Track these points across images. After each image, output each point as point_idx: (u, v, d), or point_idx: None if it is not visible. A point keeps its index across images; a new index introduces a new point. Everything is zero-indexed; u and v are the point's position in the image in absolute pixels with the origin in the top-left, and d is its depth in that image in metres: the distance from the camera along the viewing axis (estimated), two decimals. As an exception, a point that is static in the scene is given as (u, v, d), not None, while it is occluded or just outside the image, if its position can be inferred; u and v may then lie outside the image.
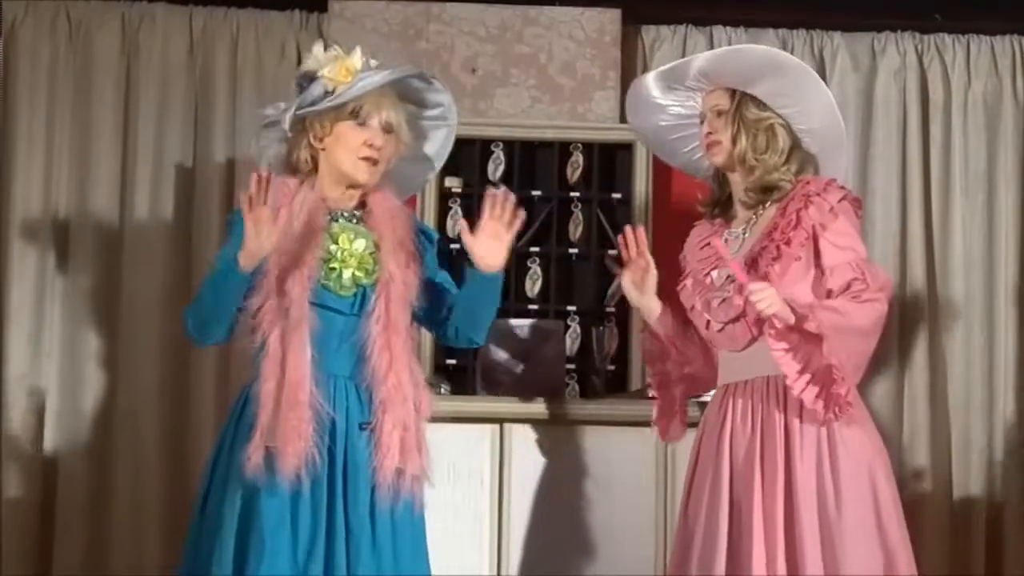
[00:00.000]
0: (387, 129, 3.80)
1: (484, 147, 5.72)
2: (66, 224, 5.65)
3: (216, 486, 3.68)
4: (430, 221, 5.59)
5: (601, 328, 5.61)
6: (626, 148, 5.69)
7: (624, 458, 4.64)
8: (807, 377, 3.62)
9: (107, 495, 5.52)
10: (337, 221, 3.79)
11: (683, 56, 5.94)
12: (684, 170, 4.22)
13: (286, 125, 3.80)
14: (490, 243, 3.73)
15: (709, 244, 3.90)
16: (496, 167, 5.71)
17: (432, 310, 3.88)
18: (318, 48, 3.82)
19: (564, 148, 5.73)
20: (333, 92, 3.75)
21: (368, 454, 3.66)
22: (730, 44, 5.93)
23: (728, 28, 5.99)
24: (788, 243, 3.74)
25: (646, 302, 3.97)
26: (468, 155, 5.72)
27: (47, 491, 5.54)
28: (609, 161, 5.74)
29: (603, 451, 4.65)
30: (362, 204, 3.85)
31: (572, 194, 5.70)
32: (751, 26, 5.98)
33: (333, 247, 3.74)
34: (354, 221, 3.81)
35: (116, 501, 5.50)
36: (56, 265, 5.64)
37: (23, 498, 5.51)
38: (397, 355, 3.70)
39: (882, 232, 5.85)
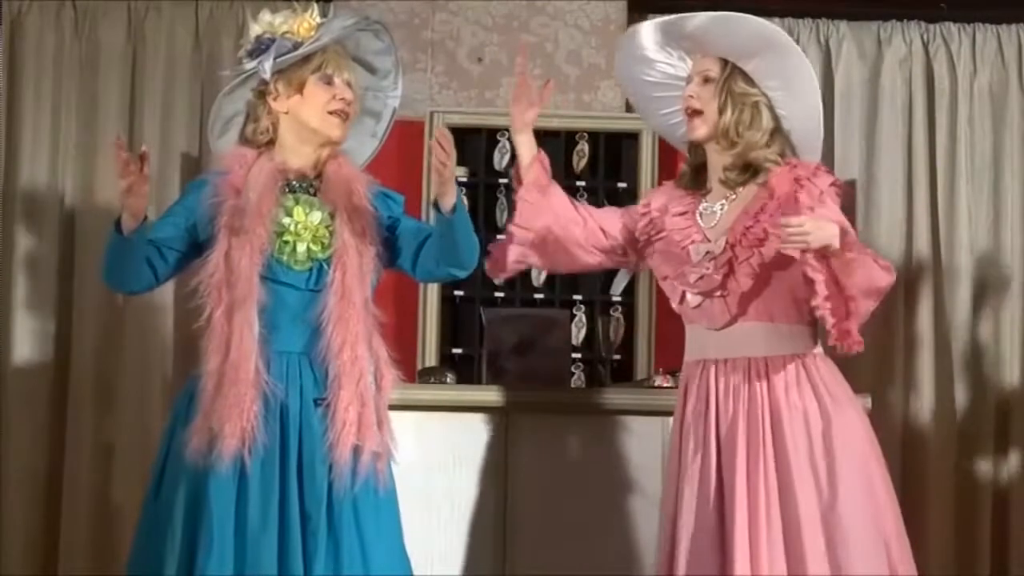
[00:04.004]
0: (350, 87, 3.72)
1: (490, 136, 5.73)
2: (72, 214, 5.66)
3: (170, 470, 3.58)
4: (436, 211, 5.60)
5: (607, 318, 5.62)
6: (632, 137, 5.70)
7: (630, 447, 4.64)
8: (829, 306, 3.54)
9: (114, 488, 5.54)
10: (294, 193, 3.69)
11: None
12: (659, 133, 4.11)
13: (267, 75, 3.68)
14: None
15: (686, 214, 3.79)
16: (502, 156, 5.71)
17: (404, 255, 3.76)
18: (264, 13, 3.74)
19: (570, 137, 5.73)
20: (301, 45, 3.67)
21: (323, 432, 3.53)
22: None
23: (734, 17, 5.98)
24: (775, 226, 3.62)
25: (525, 138, 3.99)
26: (474, 144, 5.73)
27: (53, 484, 5.56)
28: (615, 150, 5.74)
29: (609, 440, 4.65)
30: (319, 175, 3.73)
31: (578, 183, 5.69)
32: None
33: (287, 220, 3.64)
34: (311, 192, 3.70)
35: (122, 495, 5.51)
36: (62, 254, 5.65)
37: (28, 489, 5.54)
38: (353, 329, 3.57)
39: (887, 221, 5.85)
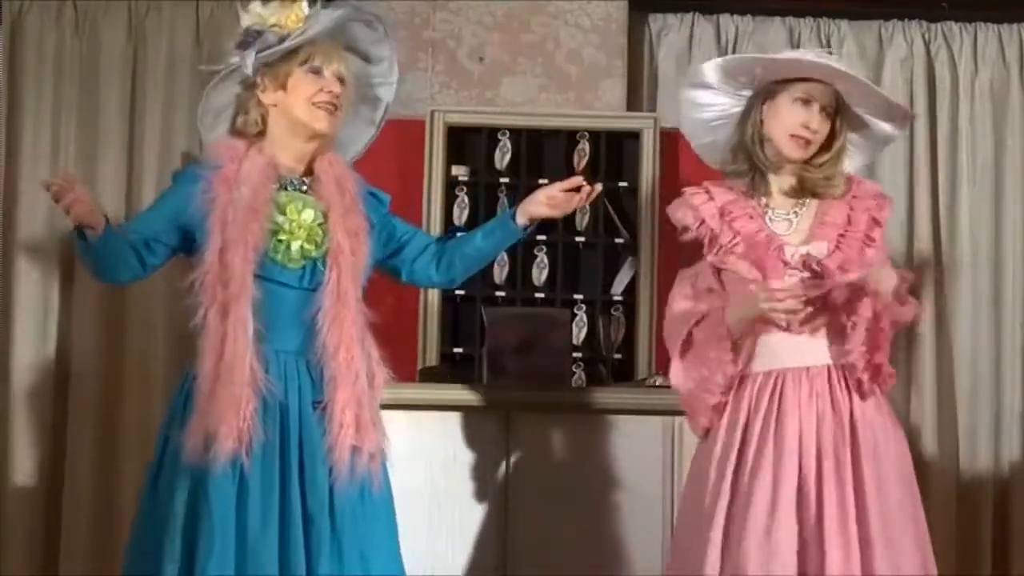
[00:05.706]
0: (341, 80, 3.69)
1: (491, 135, 5.72)
2: (73, 213, 5.66)
3: (166, 468, 3.55)
4: (436, 209, 5.59)
5: (608, 317, 5.61)
6: (633, 136, 5.69)
7: (630, 447, 4.64)
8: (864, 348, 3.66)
9: (115, 488, 5.53)
10: (286, 190, 3.65)
11: (689, 44, 5.96)
12: (688, 132, 4.05)
13: (249, 70, 3.66)
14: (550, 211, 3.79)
15: (754, 219, 3.79)
16: (503, 155, 5.71)
17: (398, 259, 3.79)
18: (255, 4, 3.72)
19: (571, 136, 5.73)
20: (287, 38, 3.65)
21: (322, 433, 3.52)
22: (736, 33, 5.95)
23: (736, 16, 5.98)
24: (872, 240, 3.78)
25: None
26: (475, 143, 5.72)
27: (53, 484, 5.56)
28: (616, 149, 5.74)
29: (609, 440, 4.66)
30: (309, 172, 3.71)
31: (579, 182, 5.69)
32: (759, 14, 5.98)
33: (281, 218, 3.60)
34: (303, 190, 3.67)
35: (123, 496, 5.51)
36: (63, 254, 5.65)
37: (28, 490, 5.53)
38: (348, 329, 3.55)
39: (889, 220, 5.81)
